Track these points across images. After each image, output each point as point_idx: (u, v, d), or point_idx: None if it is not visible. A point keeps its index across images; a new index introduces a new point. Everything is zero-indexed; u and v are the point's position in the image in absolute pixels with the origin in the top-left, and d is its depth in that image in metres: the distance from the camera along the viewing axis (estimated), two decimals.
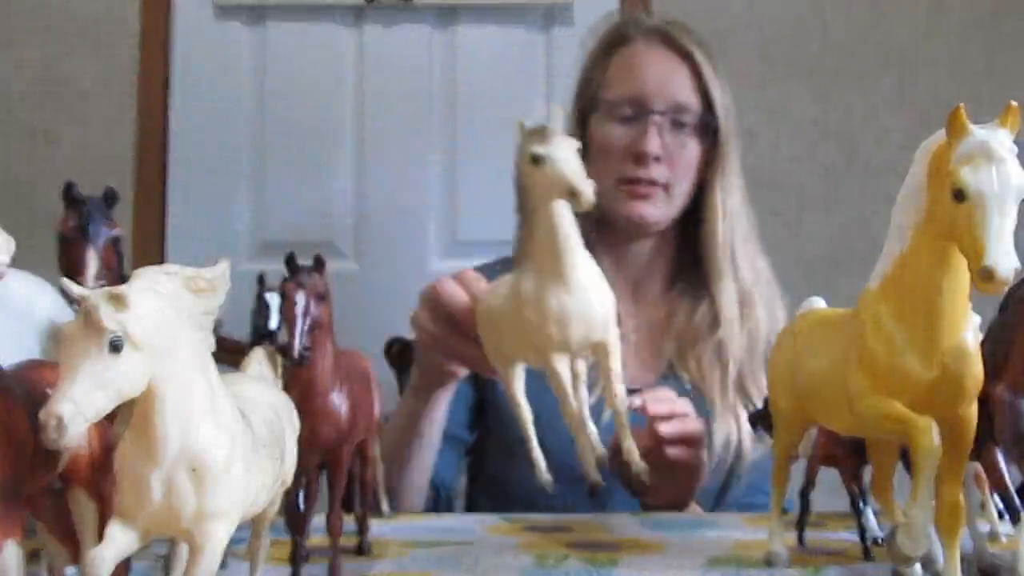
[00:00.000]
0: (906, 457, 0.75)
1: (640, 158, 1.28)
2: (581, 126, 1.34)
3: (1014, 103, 0.61)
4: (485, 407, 1.34)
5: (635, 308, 1.36)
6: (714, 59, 1.34)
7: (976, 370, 0.64)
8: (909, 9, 2.29)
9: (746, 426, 1.23)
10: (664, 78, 1.31)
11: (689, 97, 1.31)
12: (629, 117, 1.29)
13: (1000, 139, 0.59)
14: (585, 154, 1.33)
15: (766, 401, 1.01)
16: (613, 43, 1.35)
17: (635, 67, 1.32)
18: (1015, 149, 0.60)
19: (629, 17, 1.39)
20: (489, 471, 1.36)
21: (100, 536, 0.53)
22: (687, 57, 1.32)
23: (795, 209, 2.23)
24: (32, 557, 0.64)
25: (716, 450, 1.23)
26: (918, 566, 0.70)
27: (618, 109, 1.30)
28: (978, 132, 0.60)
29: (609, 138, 1.30)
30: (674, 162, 1.30)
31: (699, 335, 1.30)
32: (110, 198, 0.71)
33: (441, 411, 1.20)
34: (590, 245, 1.29)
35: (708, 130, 1.32)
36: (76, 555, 0.61)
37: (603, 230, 1.31)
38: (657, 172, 1.28)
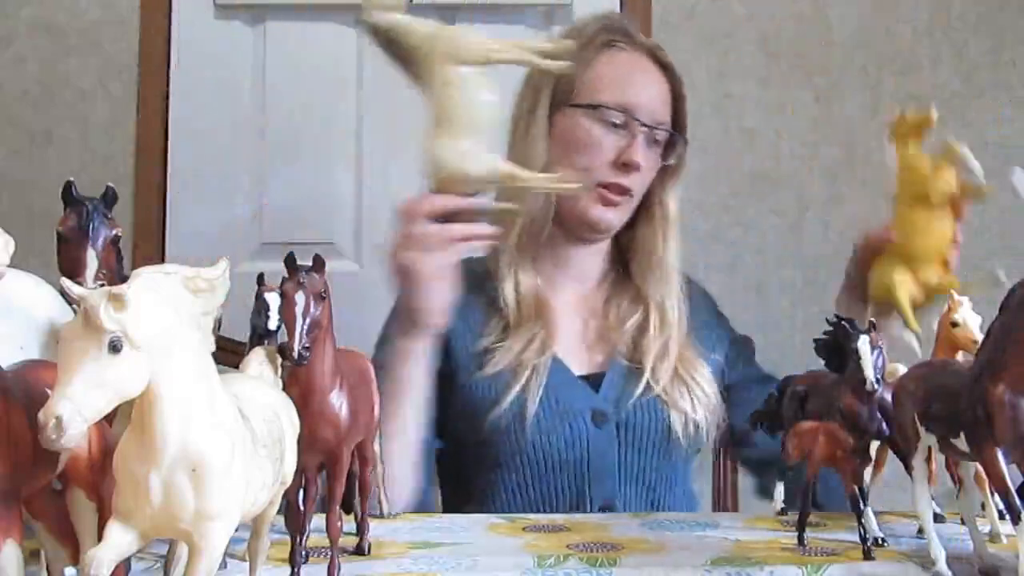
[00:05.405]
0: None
1: (627, 167, 1.31)
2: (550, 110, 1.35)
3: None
4: (450, 412, 1.31)
5: (580, 297, 1.40)
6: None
7: None
8: (911, 8, 2.29)
9: (700, 409, 1.30)
10: (651, 93, 1.34)
11: (666, 115, 1.35)
12: (617, 124, 1.31)
13: None
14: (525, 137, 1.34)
15: (766, 400, 1.01)
16: (602, 44, 1.35)
17: (628, 76, 1.34)
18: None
19: (618, 23, 1.39)
20: (463, 475, 1.35)
21: (99, 536, 0.53)
22: (669, 74, 1.36)
23: (795, 209, 2.23)
24: (32, 557, 0.64)
25: (677, 431, 1.28)
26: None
27: (608, 113, 1.31)
28: None
29: (594, 139, 1.32)
30: (643, 175, 1.34)
31: (644, 327, 1.34)
32: (110, 198, 0.71)
33: (425, 366, 1.23)
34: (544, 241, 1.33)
35: (674, 148, 1.36)
36: (75, 555, 0.60)
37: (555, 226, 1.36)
38: (632, 181, 1.32)
